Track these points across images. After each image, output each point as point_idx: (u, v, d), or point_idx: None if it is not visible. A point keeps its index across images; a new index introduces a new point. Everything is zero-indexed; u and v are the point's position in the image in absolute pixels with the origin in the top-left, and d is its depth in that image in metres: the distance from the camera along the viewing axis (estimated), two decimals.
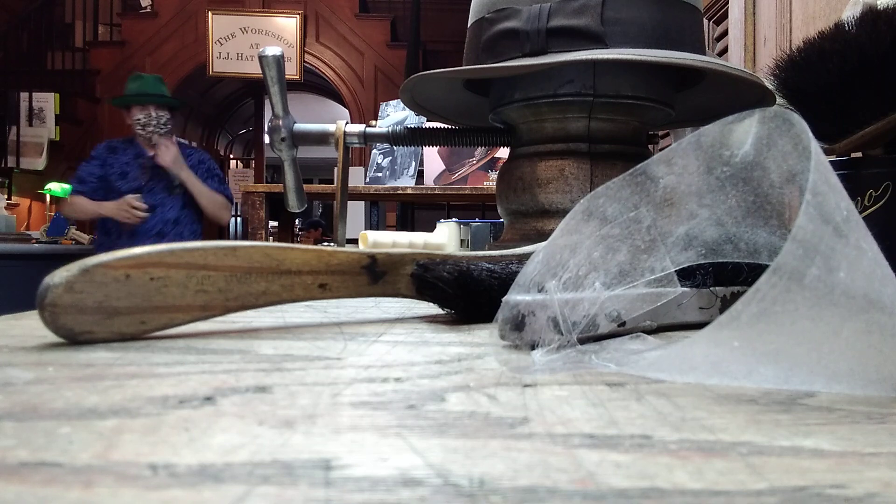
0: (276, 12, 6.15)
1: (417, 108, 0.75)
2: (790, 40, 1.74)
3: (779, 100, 0.57)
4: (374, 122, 1.74)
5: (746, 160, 0.29)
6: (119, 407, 0.20)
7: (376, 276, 0.38)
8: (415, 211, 4.17)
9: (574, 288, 0.31)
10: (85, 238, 3.68)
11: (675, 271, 0.33)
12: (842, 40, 0.48)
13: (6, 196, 4.36)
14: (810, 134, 0.23)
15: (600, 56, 0.57)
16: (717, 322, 0.21)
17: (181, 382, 0.23)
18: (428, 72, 0.64)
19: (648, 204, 0.31)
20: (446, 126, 0.75)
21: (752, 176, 0.30)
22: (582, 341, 0.30)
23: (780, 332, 0.21)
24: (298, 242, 3.13)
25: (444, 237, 1.05)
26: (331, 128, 0.74)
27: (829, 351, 0.21)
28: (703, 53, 0.63)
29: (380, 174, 2.67)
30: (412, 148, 2.54)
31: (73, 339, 0.30)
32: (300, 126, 0.74)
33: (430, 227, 1.25)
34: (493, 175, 2.54)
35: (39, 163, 5.22)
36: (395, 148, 2.59)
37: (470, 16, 0.68)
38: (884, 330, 0.21)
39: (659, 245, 0.32)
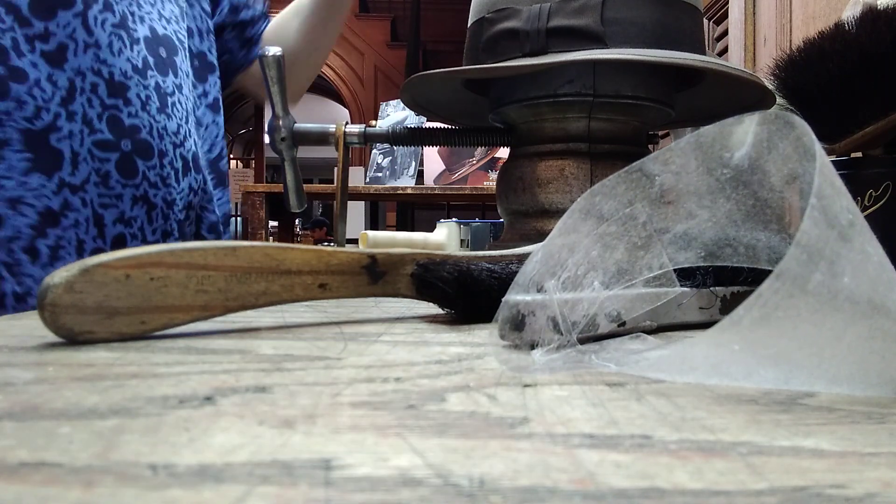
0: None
1: (417, 108, 0.75)
2: (790, 40, 1.74)
3: (779, 100, 0.57)
4: (374, 122, 1.74)
5: (746, 163, 0.29)
6: (119, 407, 0.20)
7: (376, 276, 0.38)
8: (415, 211, 4.17)
9: (573, 287, 0.31)
10: None
11: (675, 272, 0.33)
12: (842, 40, 0.48)
13: None
14: (813, 136, 0.23)
15: (600, 56, 0.57)
16: (719, 325, 0.20)
17: (181, 382, 0.23)
18: (428, 72, 0.64)
19: (644, 200, 0.31)
20: (446, 126, 0.75)
21: (752, 179, 0.29)
22: (582, 341, 0.30)
23: (781, 336, 0.21)
24: (299, 242, 3.12)
25: (444, 237, 1.05)
26: (331, 128, 0.74)
27: (831, 356, 0.21)
28: (703, 53, 0.63)
29: (380, 174, 2.67)
30: (412, 148, 2.54)
31: (73, 339, 0.30)
32: (300, 126, 0.73)
33: (430, 227, 1.25)
34: (493, 175, 2.54)
35: None
36: (395, 148, 2.59)
37: (470, 16, 0.68)
38: (887, 335, 0.21)
39: (655, 241, 0.32)
